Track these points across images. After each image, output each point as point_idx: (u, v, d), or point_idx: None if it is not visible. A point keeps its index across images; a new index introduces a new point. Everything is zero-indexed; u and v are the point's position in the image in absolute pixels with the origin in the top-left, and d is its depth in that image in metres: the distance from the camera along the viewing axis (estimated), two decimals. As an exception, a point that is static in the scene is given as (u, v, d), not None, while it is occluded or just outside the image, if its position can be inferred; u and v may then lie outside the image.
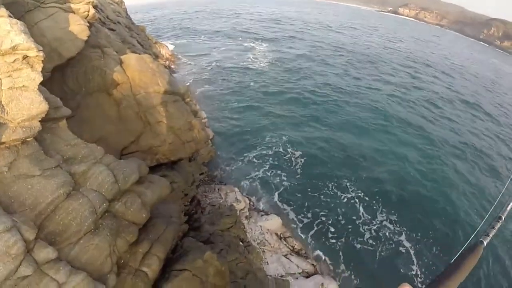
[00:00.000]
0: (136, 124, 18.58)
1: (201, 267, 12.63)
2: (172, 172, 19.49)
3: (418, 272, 20.86)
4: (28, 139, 8.97)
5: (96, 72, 17.63)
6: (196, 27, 74.80)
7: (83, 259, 8.63)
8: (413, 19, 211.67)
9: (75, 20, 16.73)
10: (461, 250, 2.81)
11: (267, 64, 53.29)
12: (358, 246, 21.79)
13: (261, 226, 20.96)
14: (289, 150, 30.19)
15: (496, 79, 77.57)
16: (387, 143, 33.83)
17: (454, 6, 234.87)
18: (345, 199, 25.36)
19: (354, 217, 23.81)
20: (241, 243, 18.57)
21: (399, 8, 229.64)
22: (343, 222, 23.34)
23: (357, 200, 25.35)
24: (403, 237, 22.93)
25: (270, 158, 28.67)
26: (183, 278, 11.70)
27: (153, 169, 18.15)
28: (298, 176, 27.09)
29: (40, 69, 9.51)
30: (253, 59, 54.89)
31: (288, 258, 19.35)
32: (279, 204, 24.04)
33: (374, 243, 22.10)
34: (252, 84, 44.21)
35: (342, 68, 57.11)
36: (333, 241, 21.83)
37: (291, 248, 20.53)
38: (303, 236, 21.86)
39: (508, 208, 3.40)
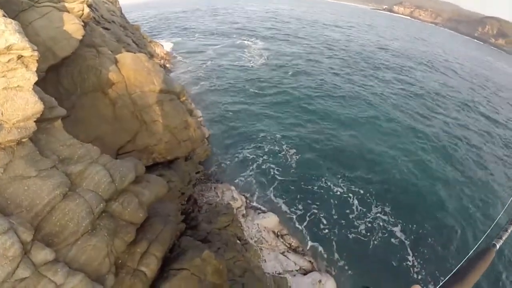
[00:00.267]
0: (132, 124, 18.52)
1: (199, 266, 12.64)
2: (169, 171, 19.46)
3: (415, 263, 21.21)
4: (23, 140, 8.90)
5: (91, 72, 17.53)
6: (191, 26, 74.52)
7: (81, 260, 8.59)
8: (408, 17, 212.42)
9: (69, 19, 16.60)
10: (470, 252, 2.80)
11: (262, 62, 53.24)
12: (353, 239, 22.08)
13: (258, 224, 20.99)
14: (284, 147, 30.37)
15: (492, 77, 78.28)
16: (381, 140, 34.09)
17: (448, 4, 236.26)
18: (338, 193, 25.67)
19: (347, 211, 24.16)
20: (238, 241, 18.58)
21: (394, 6, 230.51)
22: (336, 216, 23.63)
23: (350, 195, 25.65)
24: (397, 229, 23.29)
25: (265, 155, 28.76)
26: (182, 277, 11.70)
27: (149, 169, 18.12)
28: (293, 171, 27.30)
29: (35, 69, 9.43)
30: (248, 57, 54.83)
31: (285, 256, 19.40)
32: (275, 200, 24.17)
33: (369, 236, 22.42)
34: (247, 82, 44.19)
35: (336, 65, 57.30)
36: (330, 236, 22.03)
37: (288, 246, 20.59)
38: (299, 229, 22.06)
39: None
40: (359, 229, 22.87)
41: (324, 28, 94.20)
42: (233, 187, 23.75)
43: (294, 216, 23.15)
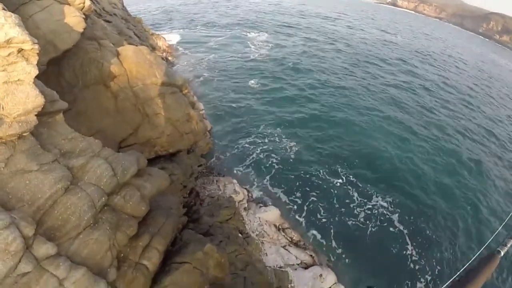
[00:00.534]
0: (134, 116, 18.47)
1: (201, 259, 12.68)
2: (171, 164, 19.46)
3: (413, 252, 21.79)
4: (24, 134, 8.87)
5: (93, 65, 17.45)
6: (194, 18, 73.88)
7: (83, 254, 8.61)
8: (412, 12, 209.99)
9: (70, 12, 16.48)
10: (473, 258, 2.78)
11: (264, 54, 52.88)
12: (353, 229, 22.61)
13: (259, 218, 21.03)
14: (284, 139, 30.58)
15: (497, 74, 78.15)
16: (382, 133, 34.44)
17: None
18: (338, 184, 26.14)
19: (347, 201, 24.71)
20: (240, 234, 18.64)
21: (398, 0, 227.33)
22: (336, 205, 24.13)
23: (349, 187, 26.13)
24: (396, 220, 23.80)
25: (267, 148, 28.89)
26: (184, 271, 11.74)
27: (151, 162, 18.12)
28: (293, 163, 27.58)
29: (36, 62, 9.36)
30: (251, 50, 54.45)
31: (286, 250, 19.47)
32: (277, 193, 24.40)
33: (368, 225, 22.98)
34: (249, 75, 43.98)
35: (339, 60, 56.94)
36: (329, 225, 22.53)
37: (290, 240, 20.65)
38: (300, 221, 22.35)
39: None
40: (358, 218, 23.38)
41: (327, 21, 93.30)
42: (235, 180, 23.76)
43: (295, 207, 23.48)
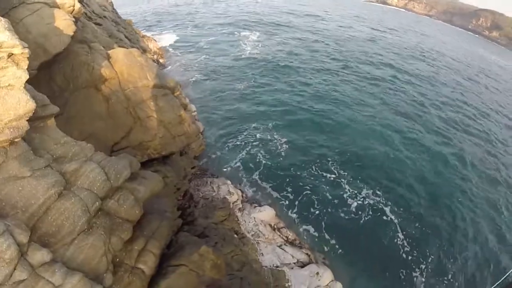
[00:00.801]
0: (126, 120, 18.33)
1: (197, 261, 12.68)
2: (164, 167, 19.36)
3: (405, 243, 22.56)
4: (16, 140, 8.77)
5: (84, 68, 17.30)
6: (185, 19, 73.54)
7: (79, 259, 8.56)
8: (402, 9, 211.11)
9: (60, 15, 16.32)
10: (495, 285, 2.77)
11: (256, 54, 52.92)
12: (346, 222, 23.23)
13: (254, 218, 21.06)
14: (277, 135, 31.11)
15: (484, 69, 79.47)
16: (373, 128, 35.25)
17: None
18: (331, 179, 26.81)
19: (340, 194, 25.40)
20: (235, 235, 18.67)
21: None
22: (329, 198, 24.80)
23: (343, 180, 26.85)
24: (388, 210, 24.65)
25: (260, 148, 29.17)
26: (180, 273, 11.74)
27: (144, 165, 17.98)
28: (286, 162, 28.00)
29: (26, 67, 9.26)
30: (243, 50, 54.41)
31: (282, 249, 19.53)
32: (272, 193, 24.76)
33: (360, 215, 23.85)
34: (241, 74, 44.08)
35: (328, 57, 57.43)
36: (322, 218, 23.15)
37: (285, 239, 20.72)
38: (294, 219, 22.74)
39: None
40: (350, 209, 24.17)
41: (317, 20, 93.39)
42: (229, 181, 23.77)
43: (288, 202, 24.01)
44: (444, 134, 37.36)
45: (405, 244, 22.36)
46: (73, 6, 17.81)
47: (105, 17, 33.28)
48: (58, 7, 16.82)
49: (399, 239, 22.60)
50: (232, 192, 22.48)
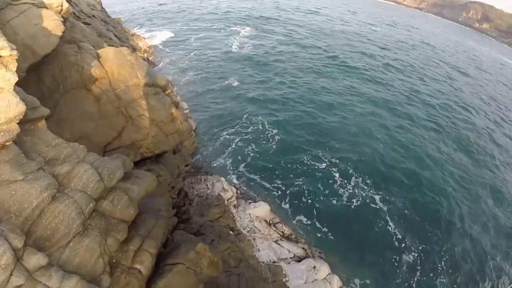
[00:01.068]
0: (118, 119, 18.20)
1: (194, 259, 12.70)
2: (158, 166, 19.29)
3: (396, 231, 23.13)
4: (7, 143, 8.67)
5: (73, 68, 17.09)
6: (174, 17, 72.79)
7: (75, 262, 8.52)
8: (392, 3, 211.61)
9: (48, 16, 16.10)
10: None
11: (248, 49, 52.90)
12: (338, 211, 23.72)
13: (249, 214, 21.13)
14: (268, 129, 31.47)
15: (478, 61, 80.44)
16: (363, 120, 35.88)
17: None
18: (322, 168, 27.39)
19: (330, 183, 25.99)
20: (231, 232, 18.71)
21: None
22: (321, 189, 25.27)
23: (334, 169, 27.49)
24: (378, 199, 25.29)
25: (253, 143, 29.34)
26: (177, 272, 11.74)
27: (137, 164, 17.91)
28: (279, 154, 28.40)
29: (15, 69, 9.12)
30: (232, 46, 54.27)
31: (279, 244, 19.63)
32: (266, 186, 24.98)
33: (352, 204, 24.43)
34: (232, 70, 44.08)
35: (319, 50, 58.04)
36: (316, 208, 23.67)
37: (281, 234, 20.83)
38: (288, 213, 22.96)
39: None
40: (343, 199, 24.68)
41: (308, 14, 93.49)
42: (223, 178, 23.80)
43: (280, 193, 24.37)
44: (434, 123, 38.31)
45: (397, 232, 22.92)
46: (61, 6, 17.59)
47: (94, 16, 32.90)
48: (46, 7, 16.61)
49: (390, 228, 23.15)
50: (226, 189, 22.50)
